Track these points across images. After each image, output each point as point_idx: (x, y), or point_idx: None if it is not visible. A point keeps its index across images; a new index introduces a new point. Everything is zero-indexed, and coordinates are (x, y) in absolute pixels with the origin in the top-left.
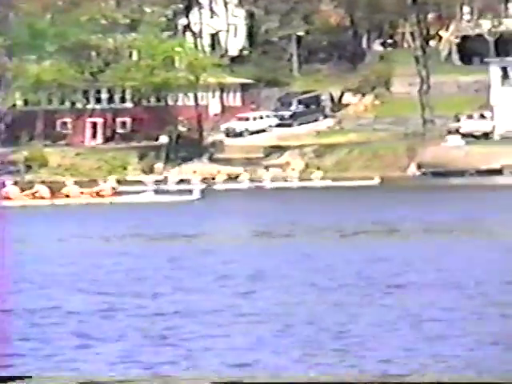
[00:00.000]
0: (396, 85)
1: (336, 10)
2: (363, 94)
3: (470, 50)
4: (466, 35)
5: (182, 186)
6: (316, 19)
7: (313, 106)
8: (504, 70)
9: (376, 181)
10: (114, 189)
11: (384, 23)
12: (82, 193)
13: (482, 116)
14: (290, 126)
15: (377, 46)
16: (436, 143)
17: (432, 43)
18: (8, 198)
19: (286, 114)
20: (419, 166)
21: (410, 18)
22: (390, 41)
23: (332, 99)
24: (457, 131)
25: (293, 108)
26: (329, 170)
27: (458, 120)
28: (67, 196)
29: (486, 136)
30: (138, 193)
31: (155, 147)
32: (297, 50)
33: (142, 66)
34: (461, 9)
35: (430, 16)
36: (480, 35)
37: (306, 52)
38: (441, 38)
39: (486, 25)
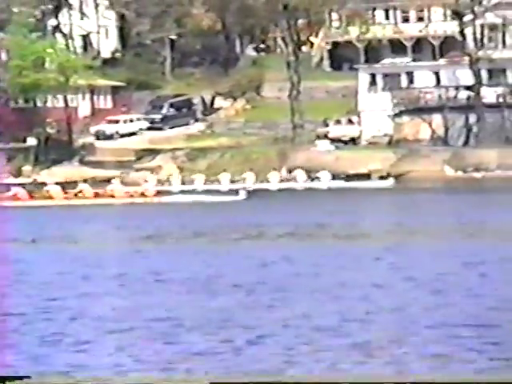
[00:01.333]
0: (267, 89)
1: (207, 13)
2: (234, 99)
3: (340, 57)
4: (336, 42)
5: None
6: (188, 23)
7: (184, 110)
8: (372, 76)
9: (391, 181)
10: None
11: (256, 28)
12: (126, 193)
13: (350, 121)
14: (161, 129)
15: (250, 51)
16: (306, 148)
17: (304, 49)
18: (50, 198)
19: (157, 117)
20: (290, 171)
21: (280, 23)
22: (262, 46)
23: (204, 103)
24: (325, 136)
25: (164, 111)
26: (201, 173)
27: (327, 125)
28: (112, 196)
29: (354, 141)
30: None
31: (23, 149)
32: (170, 53)
33: (10, 67)
34: (329, 15)
35: (301, 22)
36: (350, 42)
37: (179, 55)
38: (312, 44)
39: (354, 32)
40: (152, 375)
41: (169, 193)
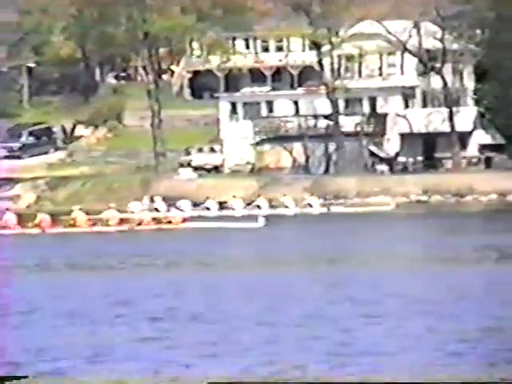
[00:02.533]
0: (129, 118)
1: (67, 41)
2: (96, 127)
3: (201, 85)
4: (197, 70)
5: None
6: (47, 51)
7: (44, 138)
8: (233, 104)
9: (392, 206)
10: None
11: (116, 56)
12: (153, 219)
13: (212, 149)
14: (19, 157)
15: (110, 79)
16: (169, 176)
17: (165, 77)
18: (74, 226)
19: (15, 145)
20: (152, 199)
21: (141, 52)
22: (123, 74)
23: (64, 131)
24: (188, 164)
25: (23, 140)
26: (61, 203)
27: (189, 153)
28: (139, 224)
29: (217, 169)
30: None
31: None
32: (28, 81)
33: None
34: (190, 44)
35: (162, 50)
36: (210, 71)
37: (37, 83)
38: (173, 72)
39: (215, 61)
40: (152, 375)
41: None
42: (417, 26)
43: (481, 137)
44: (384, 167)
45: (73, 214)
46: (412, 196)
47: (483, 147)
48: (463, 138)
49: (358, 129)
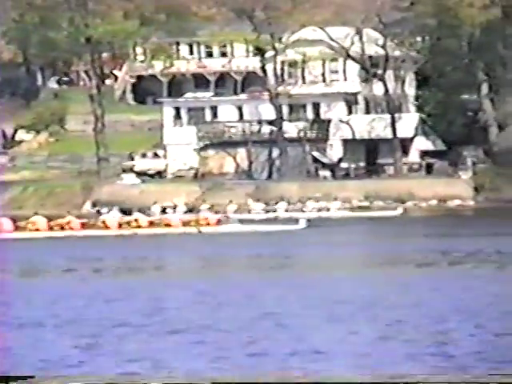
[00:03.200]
0: (71, 123)
1: (8, 45)
2: (38, 131)
3: (144, 90)
4: (140, 75)
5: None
6: None
7: None
8: (177, 110)
9: (399, 211)
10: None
11: (58, 61)
12: (183, 221)
13: (156, 155)
14: None
15: (52, 84)
16: (111, 181)
17: (108, 82)
18: (107, 227)
19: None
20: (94, 204)
21: (84, 56)
22: (65, 79)
23: (4, 136)
24: (131, 170)
25: None
26: (4, 206)
27: (132, 158)
28: (168, 225)
29: (160, 174)
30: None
31: None
32: None
33: None
34: (134, 49)
35: (104, 55)
36: (154, 76)
37: None
38: (116, 77)
39: (158, 66)
40: (152, 375)
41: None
42: (359, 32)
43: (422, 143)
44: (327, 173)
45: (33, 218)
46: (354, 201)
47: (424, 153)
48: (405, 145)
49: (302, 135)
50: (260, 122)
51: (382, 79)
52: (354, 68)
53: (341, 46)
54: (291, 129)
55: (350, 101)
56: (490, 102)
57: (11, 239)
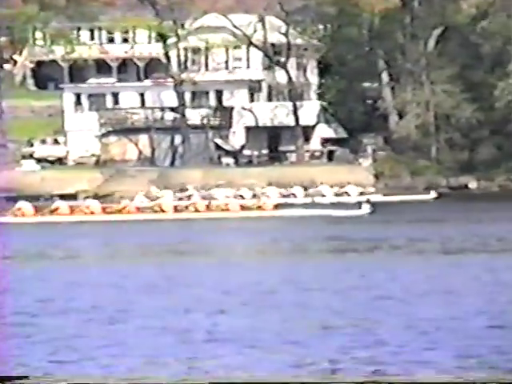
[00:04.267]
0: None
1: None
2: None
3: (45, 76)
4: (41, 60)
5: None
6: None
7: None
8: (77, 96)
9: (433, 195)
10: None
11: None
12: (241, 206)
13: (56, 141)
14: None
15: None
16: (10, 168)
17: (7, 67)
18: (163, 211)
19: None
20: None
21: None
22: None
23: None
24: (31, 156)
25: None
26: None
27: (32, 145)
28: (225, 210)
29: (61, 161)
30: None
31: None
32: None
33: None
34: (33, 33)
35: (3, 40)
36: (54, 61)
37: None
38: (16, 62)
39: (59, 51)
40: (152, 375)
41: (290, 206)
42: (262, 20)
43: (324, 130)
44: (229, 160)
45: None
46: (257, 189)
47: (326, 141)
48: (307, 132)
49: (205, 122)
50: (163, 109)
51: (285, 67)
52: (257, 55)
53: (243, 33)
54: (194, 116)
55: (253, 88)
56: (390, 90)
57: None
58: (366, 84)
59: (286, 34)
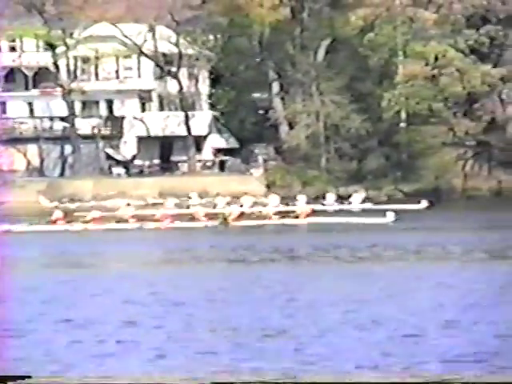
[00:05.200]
0: None
1: None
2: None
3: None
4: None
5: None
6: None
7: None
8: None
9: (424, 204)
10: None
11: None
12: (275, 213)
13: None
14: None
15: None
16: None
17: None
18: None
19: None
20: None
21: None
22: None
23: None
24: None
25: None
26: None
27: None
28: (261, 217)
29: None
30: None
31: None
32: None
33: None
34: None
35: None
36: None
37: None
38: None
39: None
40: (152, 375)
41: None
42: (152, 29)
43: (215, 141)
44: (120, 170)
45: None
46: (148, 199)
47: (217, 151)
48: (198, 142)
49: (95, 131)
50: (52, 119)
51: (176, 77)
52: (147, 65)
53: (134, 42)
54: (84, 125)
55: (144, 98)
56: (280, 101)
57: None
58: (257, 94)
59: (176, 44)
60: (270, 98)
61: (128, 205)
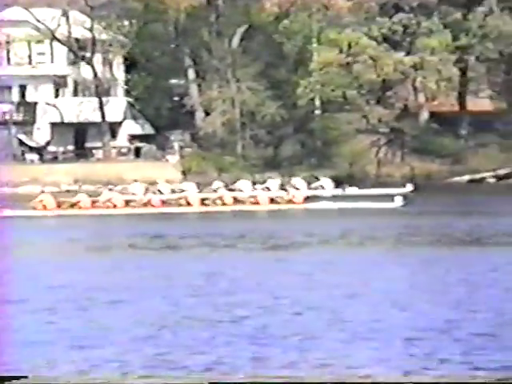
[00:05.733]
0: None
1: None
2: None
3: None
4: None
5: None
6: None
7: None
8: None
9: (409, 188)
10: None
11: None
12: (270, 199)
13: None
14: None
15: None
16: None
17: None
18: (189, 204)
19: None
20: None
21: None
22: None
23: None
24: None
25: None
26: None
27: None
28: (256, 203)
29: None
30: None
31: None
32: None
33: None
34: None
35: None
36: None
37: None
38: None
39: None
40: (152, 375)
41: (318, 198)
42: (65, 14)
43: (131, 127)
44: (34, 156)
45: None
46: (63, 186)
47: (133, 137)
48: (113, 128)
49: (7, 117)
50: None
51: (90, 62)
52: (61, 50)
53: (47, 27)
54: None
55: (58, 83)
56: (196, 87)
57: None
58: (173, 81)
59: (90, 29)
60: (186, 84)
61: (42, 192)
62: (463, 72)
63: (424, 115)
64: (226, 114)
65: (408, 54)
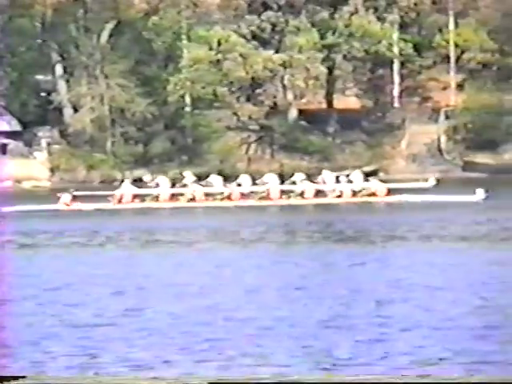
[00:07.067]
0: None
1: None
2: None
3: None
4: None
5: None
6: None
7: None
8: None
9: (432, 182)
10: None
11: None
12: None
13: None
14: None
15: None
16: None
17: None
18: (268, 198)
19: None
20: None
21: None
22: None
23: None
24: None
25: None
26: None
27: None
28: (339, 196)
29: None
30: None
31: None
32: None
33: None
34: None
35: None
36: None
37: None
38: None
39: None
40: (152, 375)
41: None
42: None
43: None
44: None
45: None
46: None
47: None
48: None
49: None
50: None
51: None
52: None
53: None
54: None
55: None
56: (64, 83)
57: None
58: (40, 76)
59: None
60: (53, 80)
61: None
62: (330, 70)
63: (293, 113)
64: (94, 110)
65: (277, 51)
